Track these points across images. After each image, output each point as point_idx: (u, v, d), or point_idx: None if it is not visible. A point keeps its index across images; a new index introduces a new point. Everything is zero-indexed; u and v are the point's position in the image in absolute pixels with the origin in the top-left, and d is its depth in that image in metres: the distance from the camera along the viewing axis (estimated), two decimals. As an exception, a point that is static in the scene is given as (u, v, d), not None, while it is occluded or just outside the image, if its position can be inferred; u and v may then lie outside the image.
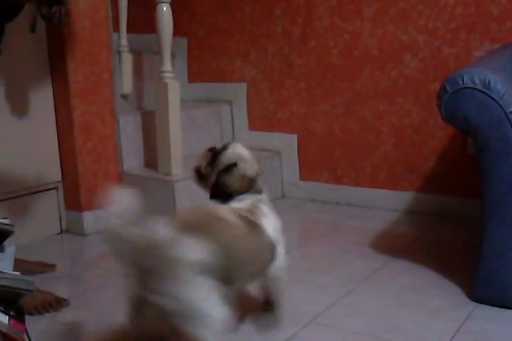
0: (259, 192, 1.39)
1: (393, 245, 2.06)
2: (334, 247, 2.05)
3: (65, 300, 1.61)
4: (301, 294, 1.66)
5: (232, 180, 1.36)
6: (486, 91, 1.40)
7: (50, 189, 2.26)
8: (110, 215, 1.08)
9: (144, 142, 2.45)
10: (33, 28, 2.03)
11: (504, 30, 2.16)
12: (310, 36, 2.61)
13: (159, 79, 2.25)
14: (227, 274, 1.13)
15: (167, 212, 2.22)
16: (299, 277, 1.77)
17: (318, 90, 2.63)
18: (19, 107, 2.11)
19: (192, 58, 3.00)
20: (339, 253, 1.99)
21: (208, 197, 1.40)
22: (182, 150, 2.30)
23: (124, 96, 2.49)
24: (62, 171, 2.28)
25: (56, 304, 1.58)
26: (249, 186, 1.38)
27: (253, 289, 1.52)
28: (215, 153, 1.42)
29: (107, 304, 1.63)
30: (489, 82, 1.40)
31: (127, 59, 2.46)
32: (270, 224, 1.33)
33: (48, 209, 2.26)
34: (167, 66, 2.23)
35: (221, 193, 1.37)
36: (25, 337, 1.19)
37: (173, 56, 2.29)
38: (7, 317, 1.14)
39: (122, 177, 2.37)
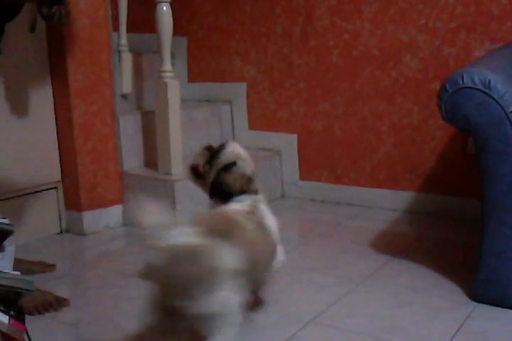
0: (256, 192, 1.40)
1: (393, 245, 2.06)
2: (334, 247, 2.05)
3: (64, 299, 1.61)
4: (301, 294, 1.66)
5: (231, 179, 1.37)
6: (486, 91, 1.40)
7: (49, 189, 2.26)
8: (145, 228, 1.09)
9: (143, 142, 2.45)
10: (32, 28, 2.03)
11: (504, 30, 2.15)
12: (310, 36, 2.60)
13: (159, 78, 2.24)
14: (249, 276, 1.15)
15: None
16: (299, 277, 1.77)
17: (318, 90, 2.63)
18: (19, 107, 2.11)
19: (192, 58, 3.00)
20: (339, 253, 1.99)
21: (207, 196, 1.41)
22: (182, 150, 2.30)
23: (124, 96, 2.49)
24: (62, 171, 2.28)
25: (56, 304, 1.58)
26: (248, 185, 1.38)
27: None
28: (213, 152, 1.42)
29: (107, 304, 1.63)
30: (489, 81, 1.39)
31: (127, 58, 2.46)
32: (272, 223, 1.34)
33: (48, 209, 2.26)
34: (167, 66, 2.23)
35: (220, 192, 1.37)
36: (25, 337, 1.19)
37: (173, 56, 2.29)
38: (7, 316, 1.14)
39: (122, 177, 2.37)
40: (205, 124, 2.71)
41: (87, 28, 2.18)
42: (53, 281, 1.78)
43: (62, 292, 1.65)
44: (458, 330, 1.41)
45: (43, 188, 2.23)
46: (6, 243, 1.31)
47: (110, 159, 2.33)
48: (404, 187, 2.47)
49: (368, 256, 1.94)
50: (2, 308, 1.15)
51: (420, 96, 2.37)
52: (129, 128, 2.39)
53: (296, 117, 2.71)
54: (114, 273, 1.84)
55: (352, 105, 2.55)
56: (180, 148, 2.29)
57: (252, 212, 1.31)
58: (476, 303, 1.54)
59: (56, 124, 2.24)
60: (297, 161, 2.74)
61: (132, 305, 1.61)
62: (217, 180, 1.37)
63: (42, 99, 2.18)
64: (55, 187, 2.27)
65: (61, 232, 2.30)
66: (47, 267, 1.87)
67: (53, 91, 2.21)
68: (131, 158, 2.41)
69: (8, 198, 2.09)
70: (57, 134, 2.25)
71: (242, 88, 2.84)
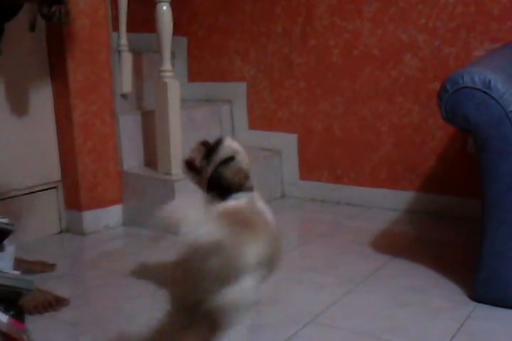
0: (251, 189, 1.40)
1: (393, 245, 2.05)
2: (334, 247, 2.05)
3: (64, 299, 1.61)
4: (301, 294, 1.66)
5: (230, 173, 1.37)
6: (486, 90, 1.40)
7: (50, 188, 2.26)
8: (178, 223, 1.10)
9: (143, 141, 2.44)
10: (32, 27, 2.03)
11: (504, 30, 2.15)
12: (310, 35, 2.60)
13: (159, 78, 2.24)
14: (267, 268, 1.17)
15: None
16: (299, 277, 1.77)
17: (318, 89, 2.63)
18: (19, 107, 2.11)
19: (192, 57, 3.00)
20: (339, 253, 1.99)
21: (203, 192, 1.41)
22: (182, 149, 2.30)
23: (124, 96, 2.49)
24: (62, 170, 2.28)
25: (56, 303, 1.58)
26: (245, 181, 1.39)
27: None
28: (209, 147, 1.42)
29: (107, 303, 1.63)
30: (489, 81, 1.39)
31: (127, 58, 2.46)
32: (272, 219, 1.35)
33: (48, 209, 2.26)
34: (167, 65, 2.23)
35: (218, 187, 1.37)
36: (25, 337, 1.19)
37: (172, 55, 2.29)
38: (7, 316, 1.14)
39: (122, 177, 2.37)
40: (205, 124, 2.70)
41: (87, 28, 2.18)
42: (53, 281, 1.78)
43: (62, 291, 1.65)
44: (458, 330, 1.41)
45: (42, 188, 2.23)
46: (5, 243, 1.31)
47: (110, 159, 2.33)
48: (404, 187, 2.47)
49: (368, 256, 1.94)
50: (2, 308, 1.15)
51: (420, 96, 2.37)
52: (129, 128, 2.39)
53: (296, 117, 2.71)
54: (114, 273, 1.84)
55: (352, 105, 2.55)
56: (180, 147, 2.29)
57: (251, 209, 1.31)
58: (476, 303, 1.54)
59: (56, 124, 2.24)
60: (297, 161, 2.74)
61: (132, 304, 1.61)
62: (215, 175, 1.38)
63: (42, 98, 2.18)
64: (55, 187, 2.27)
65: (61, 232, 2.30)
66: (47, 267, 1.87)
67: (53, 91, 2.21)
68: (131, 158, 2.41)
69: (8, 198, 2.09)
70: (57, 134, 2.25)
71: (242, 88, 2.84)
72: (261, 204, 1.38)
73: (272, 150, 2.76)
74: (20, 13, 1.78)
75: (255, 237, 1.14)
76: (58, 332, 1.46)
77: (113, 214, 2.35)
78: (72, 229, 2.29)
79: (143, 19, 2.68)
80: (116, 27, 2.40)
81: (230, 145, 1.42)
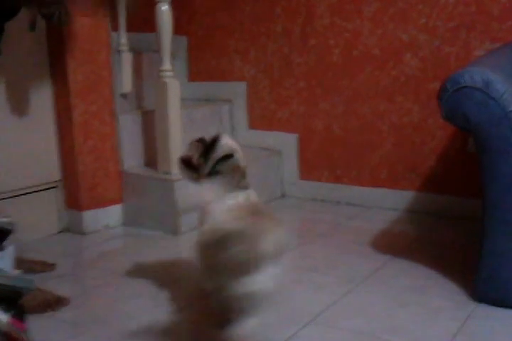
0: (247, 187, 1.40)
1: (393, 245, 2.05)
2: (334, 247, 2.05)
3: (65, 299, 1.61)
4: (301, 294, 1.65)
5: (229, 170, 1.37)
6: (486, 90, 1.40)
7: (49, 188, 2.26)
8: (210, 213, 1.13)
9: (143, 141, 2.44)
10: (32, 27, 2.03)
11: (504, 29, 2.15)
12: (310, 35, 2.60)
13: (159, 78, 2.24)
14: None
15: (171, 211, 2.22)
16: (299, 277, 1.77)
17: (318, 89, 2.63)
18: (19, 106, 2.11)
19: (192, 57, 3.00)
20: (339, 253, 1.99)
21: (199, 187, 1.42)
22: (181, 149, 2.29)
23: (124, 96, 2.49)
24: (61, 170, 2.28)
25: (56, 303, 1.58)
26: (242, 178, 1.39)
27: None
28: (207, 144, 1.42)
29: (107, 303, 1.63)
30: (490, 81, 1.39)
31: (127, 58, 2.46)
32: None
33: (48, 208, 2.26)
34: (167, 65, 2.23)
35: (216, 184, 1.37)
36: (26, 336, 1.19)
37: (172, 55, 2.29)
38: (7, 316, 1.14)
39: (122, 177, 2.37)
40: (204, 124, 2.70)
41: (87, 28, 2.18)
42: (53, 280, 1.78)
43: (62, 291, 1.65)
44: (459, 330, 1.41)
45: (42, 187, 2.23)
46: (6, 242, 1.31)
47: (110, 158, 2.33)
48: (404, 186, 2.47)
49: (368, 256, 1.93)
50: (2, 307, 1.15)
51: (420, 96, 2.37)
52: (129, 128, 2.39)
53: (296, 116, 2.71)
54: (114, 273, 1.84)
55: (352, 104, 2.55)
56: (180, 147, 2.29)
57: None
58: (476, 303, 1.54)
59: (56, 124, 2.24)
60: (297, 161, 2.74)
61: (132, 304, 1.61)
62: (214, 173, 1.38)
63: (42, 98, 2.18)
64: (55, 187, 2.27)
65: (61, 232, 2.29)
66: (47, 266, 1.87)
67: (53, 91, 2.21)
68: (131, 158, 2.41)
69: (8, 197, 2.09)
70: (57, 134, 2.25)
71: (241, 87, 2.84)
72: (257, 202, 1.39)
73: (271, 150, 2.76)
74: (20, 13, 1.78)
75: (274, 226, 1.16)
76: (58, 332, 1.46)
77: (113, 214, 2.35)
78: (72, 228, 2.29)
79: (143, 19, 2.67)
80: (116, 26, 2.40)
81: (228, 143, 1.42)
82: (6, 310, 1.14)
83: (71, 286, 1.80)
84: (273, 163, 2.74)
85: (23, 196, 2.16)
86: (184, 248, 2.11)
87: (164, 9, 2.17)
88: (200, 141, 1.45)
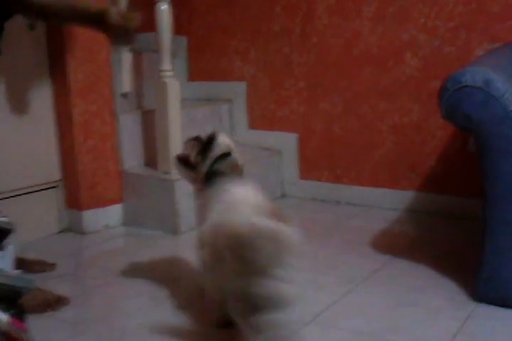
0: (245, 185, 1.40)
1: (393, 244, 2.05)
2: (334, 247, 2.05)
3: (65, 298, 1.61)
4: (301, 294, 1.65)
5: (227, 169, 1.37)
6: (487, 89, 1.40)
7: (50, 188, 2.26)
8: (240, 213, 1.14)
9: (143, 141, 2.44)
10: (32, 26, 2.03)
11: (504, 29, 2.15)
12: (310, 35, 2.60)
13: (159, 78, 2.24)
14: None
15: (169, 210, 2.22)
16: (299, 277, 1.76)
17: (318, 89, 2.62)
18: (19, 106, 2.10)
19: (192, 57, 3.00)
20: (339, 253, 1.98)
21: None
22: (181, 149, 2.29)
23: (124, 95, 2.48)
24: (62, 170, 2.28)
25: (56, 303, 1.58)
26: (241, 176, 1.40)
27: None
28: (204, 143, 1.42)
29: (107, 303, 1.63)
30: (490, 80, 1.39)
31: (127, 58, 2.45)
32: None
33: (48, 208, 2.26)
34: (167, 65, 2.23)
35: (214, 183, 1.37)
36: (25, 336, 1.19)
37: (172, 55, 2.29)
38: (7, 315, 1.14)
39: (122, 176, 2.37)
40: (204, 123, 2.70)
41: (87, 27, 2.18)
42: (53, 280, 1.78)
43: (62, 291, 1.65)
44: (459, 330, 1.41)
45: (43, 187, 2.23)
46: (6, 242, 1.31)
47: (110, 158, 2.32)
48: (404, 186, 2.47)
49: (368, 256, 1.93)
50: (2, 307, 1.15)
51: (420, 95, 2.37)
52: (129, 128, 2.39)
53: (296, 116, 2.71)
54: (114, 272, 1.84)
55: (352, 104, 2.54)
56: (180, 147, 2.28)
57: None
58: (477, 303, 1.54)
59: (56, 123, 2.24)
60: (297, 160, 2.73)
61: (132, 304, 1.61)
62: (213, 170, 1.38)
63: (42, 98, 2.18)
64: (55, 186, 2.27)
65: (61, 231, 2.29)
66: (47, 266, 1.87)
67: (53, 91, 2.21)
68: (131, 157, 2.41)
69: (8, 197, 2.09)
70: (57, 133, 2.25)
71: (241, 87, 2.83)
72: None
73: (272, 150, 2.76)
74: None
75: (292, 226, 1.17)
76: (58, 332, 1.46)
77: (113, 214, 2.35)
78: (72, 228, 2.29)
79: (142, 18, 2.67)
80: (116, 26, 2.40)
81: (224, 141, 1.42)
82: (6, 309, 1.14)
83: (71, 286, 1.80)
84: (273, 162, 2.73)
85: (23, 196, 2.16)
86: (184, 247, 2.11)
87: (164, 9, 2.17)
88: (197, 139, 1.45)
